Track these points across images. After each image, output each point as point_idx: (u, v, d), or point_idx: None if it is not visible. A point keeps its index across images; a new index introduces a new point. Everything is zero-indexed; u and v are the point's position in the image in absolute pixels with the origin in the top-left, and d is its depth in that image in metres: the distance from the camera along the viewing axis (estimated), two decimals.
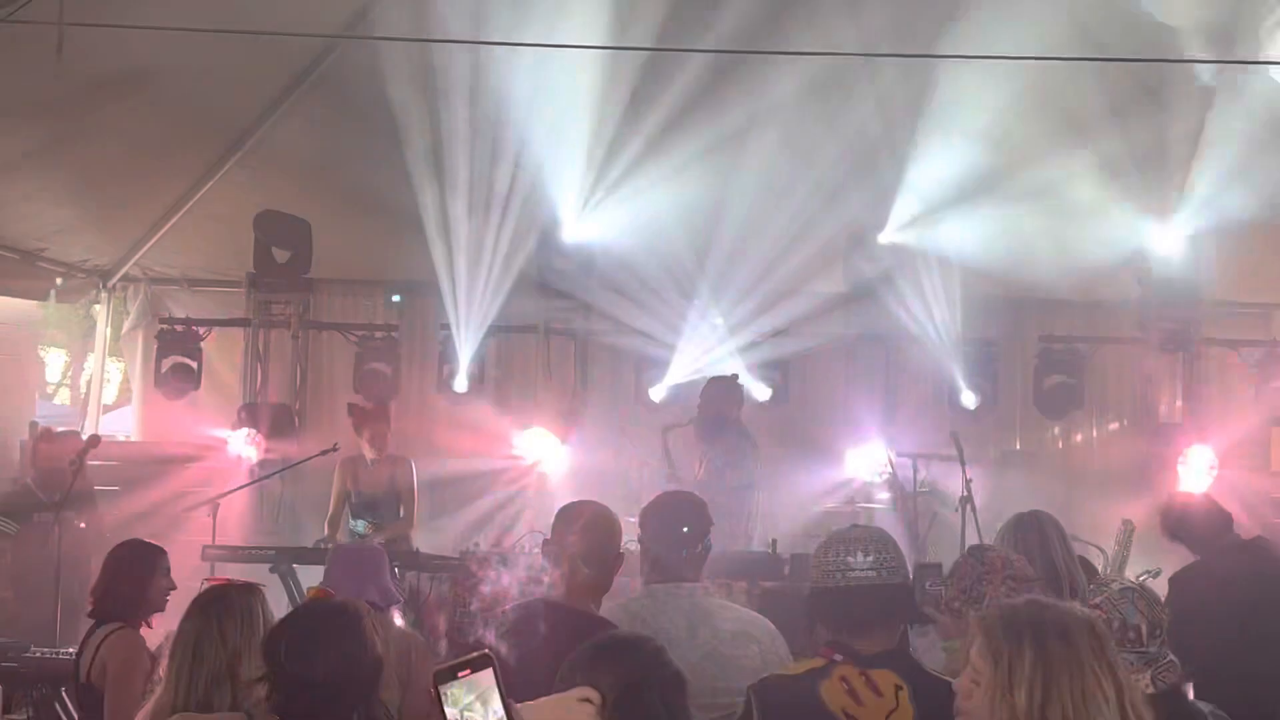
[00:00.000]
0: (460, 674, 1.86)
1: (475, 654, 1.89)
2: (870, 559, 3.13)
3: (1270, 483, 9.45)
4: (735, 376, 8.58)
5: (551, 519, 3.87)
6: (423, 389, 10.01)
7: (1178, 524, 5.42)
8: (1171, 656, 2.94)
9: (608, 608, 3.80)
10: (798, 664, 3.24)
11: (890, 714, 2.99)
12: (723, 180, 9.43)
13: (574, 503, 3.83)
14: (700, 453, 8.21)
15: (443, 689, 1.85)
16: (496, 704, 1.88)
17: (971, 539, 7.80)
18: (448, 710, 1.84)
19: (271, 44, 7.84)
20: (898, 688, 3.01)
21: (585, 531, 3.63)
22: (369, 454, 8.05)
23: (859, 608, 3.11)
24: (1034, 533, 4.07)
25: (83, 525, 8.01)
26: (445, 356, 9.66)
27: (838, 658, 3.08)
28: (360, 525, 8.07)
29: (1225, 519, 5.42)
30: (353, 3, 8.69)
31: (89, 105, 7.99)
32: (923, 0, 8.55)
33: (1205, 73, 8.18)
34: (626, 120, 9.08)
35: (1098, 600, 2.96)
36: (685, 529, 3.83)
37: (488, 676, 1.88)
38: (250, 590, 3.58)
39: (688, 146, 9.06)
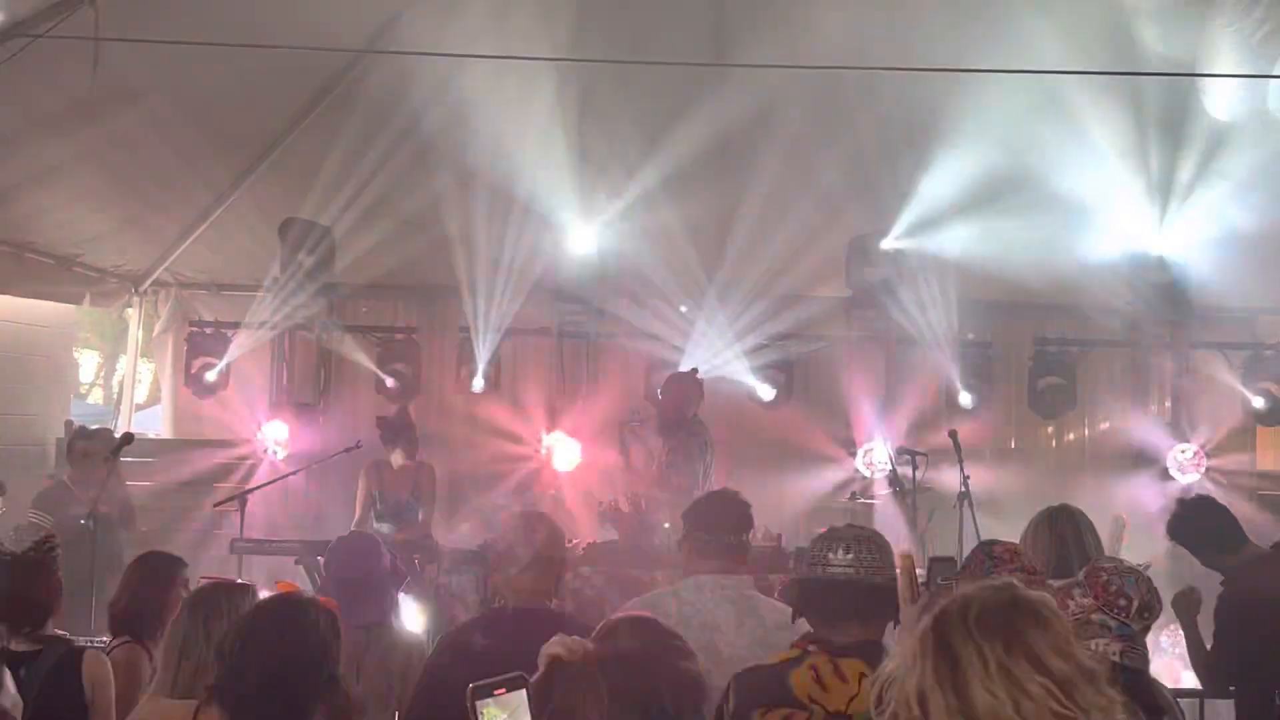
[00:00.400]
0: (496, 692, 2.01)
1: (511, 674, 2.05)
2: (850, 556, 3.22)
3: (1256, 481, 9.71)
4: (694, 371, 8.53)
5: (563, 515, 4.12)
6: (442, 389, 10.27)
7: (1183, 527, 5.32)
8: (1145, 650, 3.05)
9: (656, 594, 4.11)
10: (776, 655, 3.31)
11: (851, 700, 3.07)
12: (729, 190, 9.71)
13: (516, 513, 4.09)
14: (655, 449, 8.19)
15: (478, 704, 2.00)
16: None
17: (969, 534, 8.03)
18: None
19: (297, 58, 7.93)
20: (863, 675, 3.07)
21: (532, 539, 3.77)
22: (397, 461, 8.22)
23: (833, 600, 3.21)
24: (1069, 524, 4.22)
25: (115, 517, 8.36)
26: (463, 358, 9.85)
27: (811, 648, 3.18)
28: (385, 528, 8.17)
29: (1235, 525, 5.24)
30: (376, 19, 8.83)
31: (122, 118, 8.14)
32: (927, 12, 8.68)
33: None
34: (634, 130, 9.27)
35: (1105, 565, 3.10)
36: (725, 520, 4.06)
37: (520, 697, 2.03)
38: (239, 589, 3.62)
39: (694, 156, 9.19)
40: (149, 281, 10.61)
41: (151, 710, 3.38)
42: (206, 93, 8.39)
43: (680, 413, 8.00)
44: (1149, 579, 3.10)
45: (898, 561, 3.39)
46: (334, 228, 9.71)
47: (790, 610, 3.88)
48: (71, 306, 10.24)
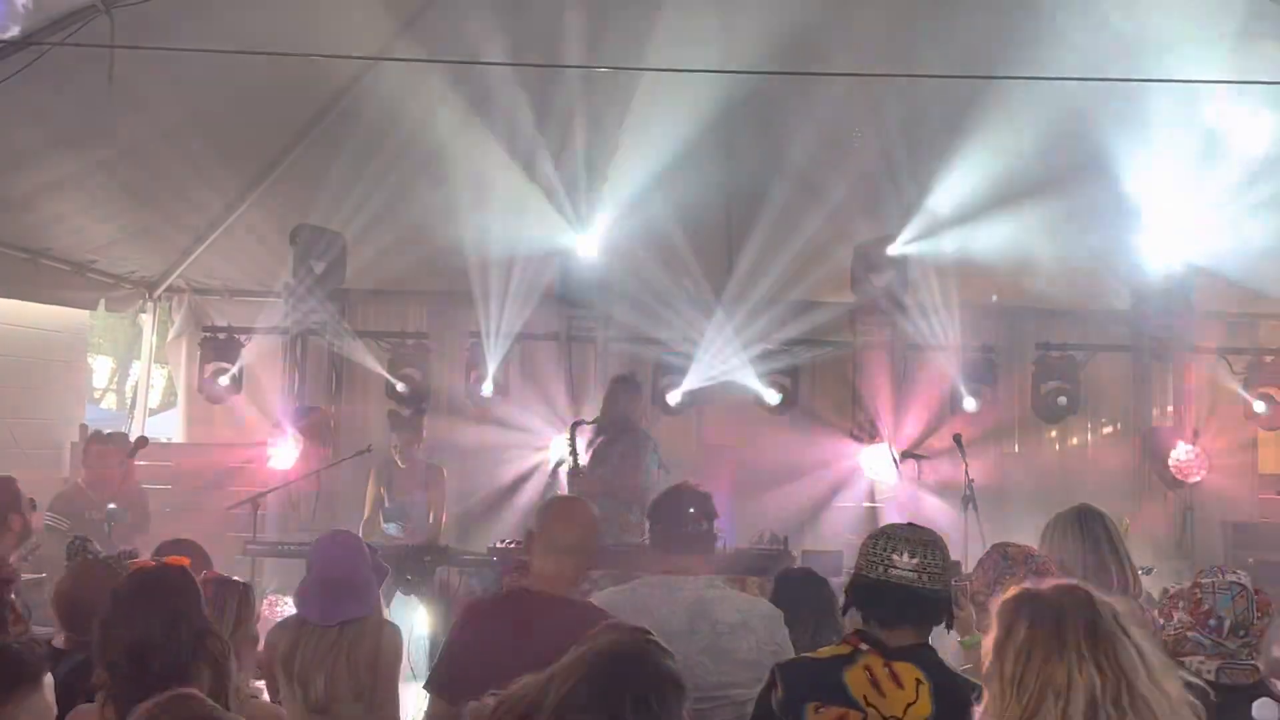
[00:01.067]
0: None
1: None
2: (915, 560, 3.12)
3: (1258, 484, 9.80)
4: (633, 375, 8.63)
5: None
6: (451, 393, 10.32)
7: None
8: (1254, 661, 2.98)
9: (610, 591, 4.07)
10: (824, 649, 3.26)
11: (909, 706, 3.01)
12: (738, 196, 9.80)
13: (558, 497, 4.10)
14: (604, 451, 8.29)
15: None
16: None
17: (974, 537, 8.04)
18: None
19: (307, 67, 8.12)
20: (919, 681, 3.04)
21: (564, 521, 3.82)
22: (398, 461, 8.36)
23: (893, 603, 3.13)
24: (1099, 525, 4.09)
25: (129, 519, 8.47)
26: (473, 362, 9.92)
27: (864, 646, 3.11)
28: (392, 529, 8.34)
29: None
30: (386, 29, 8.80)
31: (135, 126, 8.23)
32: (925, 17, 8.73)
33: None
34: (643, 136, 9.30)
35: (1204, 580, 3.05)
36: (690, 509, 4.02)
37: None
38: (226, 585, 3.77)
39: (698, 163, 9.29)
40: (162, 287, 10.70)
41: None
42: (218, 101, 8.44)
43: (624, 418, 8.16)
44: (1252, 593, 3.04)
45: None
46: (345, 233, 9.78)
47: (762, 603, 4.04)
48: (85, 312, 10.32)
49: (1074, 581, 2.46)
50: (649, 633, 2.50)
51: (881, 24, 8.56)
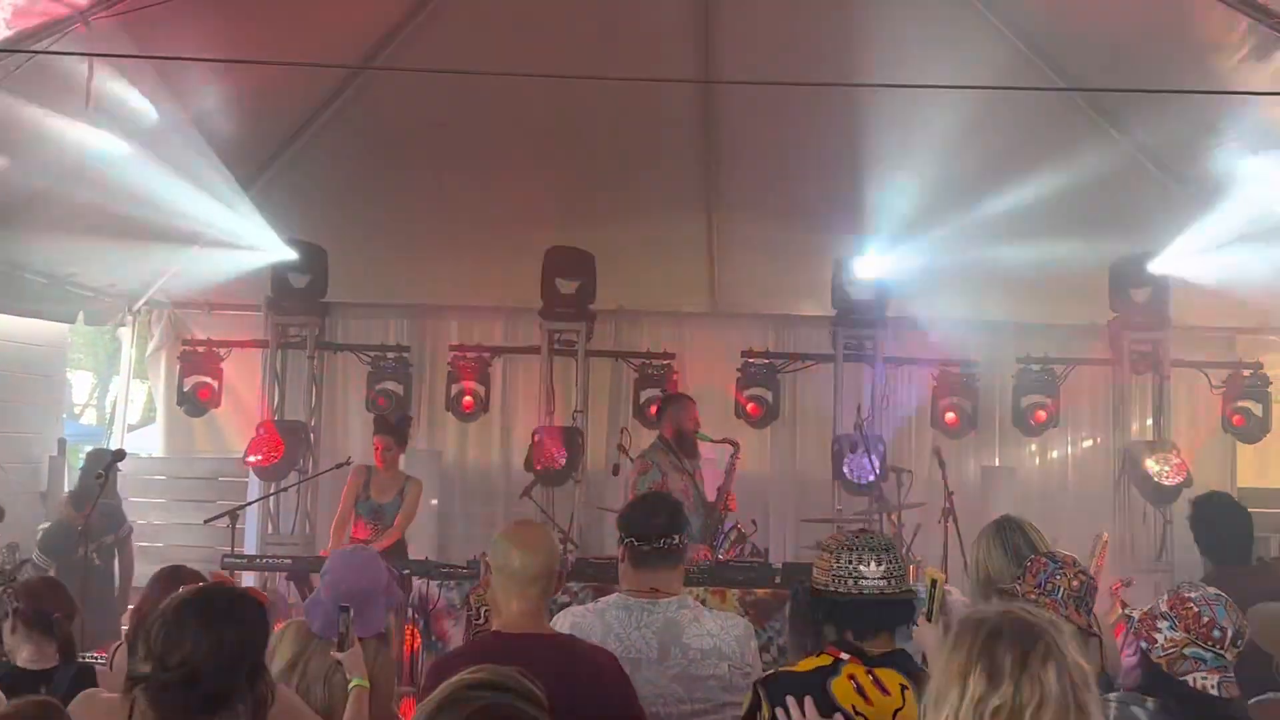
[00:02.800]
0: None
1: None
2: (882, 569, 3.15)
3: (1236, 497, 9.78)
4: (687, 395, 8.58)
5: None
6: (432, 407, 10.39)
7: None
8: (1234, 676, 2.93)
9: (580, 611, 3.89)
10: (805, 662, 3.21)
11: (897, 712, 3.03)
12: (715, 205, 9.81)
13: (514, 524, 3.80)
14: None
15: None
16: None
17: (954, 550, 8.14)
18: None
19: (292, 77, 8.11)
20: (903, 686, 3.05)
21: (526, 550, 3.50)
22: (379, 465, 8.24)
23: (870, 616, 3.15)
24: (1019, 534, 4.08)
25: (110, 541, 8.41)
26: (454, 376, 9.92)
27: (845, 656, 3.11)
28: (363, 525, 8.17)
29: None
30: (372, 36, 8.87)
31: (117, 133, 8.04)
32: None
33: None
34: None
35: (1193, 595, 2.99)
36: (659, 521, 3.86)
37: None
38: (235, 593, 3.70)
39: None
40: (142, 300, 10.67)
41: (88, 706, 3.34)
42: (200, 111, 8.42)
43: (692, 435, 8.04)
44: (1232, 601, 3.02)
45: (925, 581, 3.46)
46: (327, 247, 9.77)
47: (734, 621, 3.91)
48: (65, 326, 10.25)
49: (1021, 607, 2.46)
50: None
51: None
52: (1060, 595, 3.38)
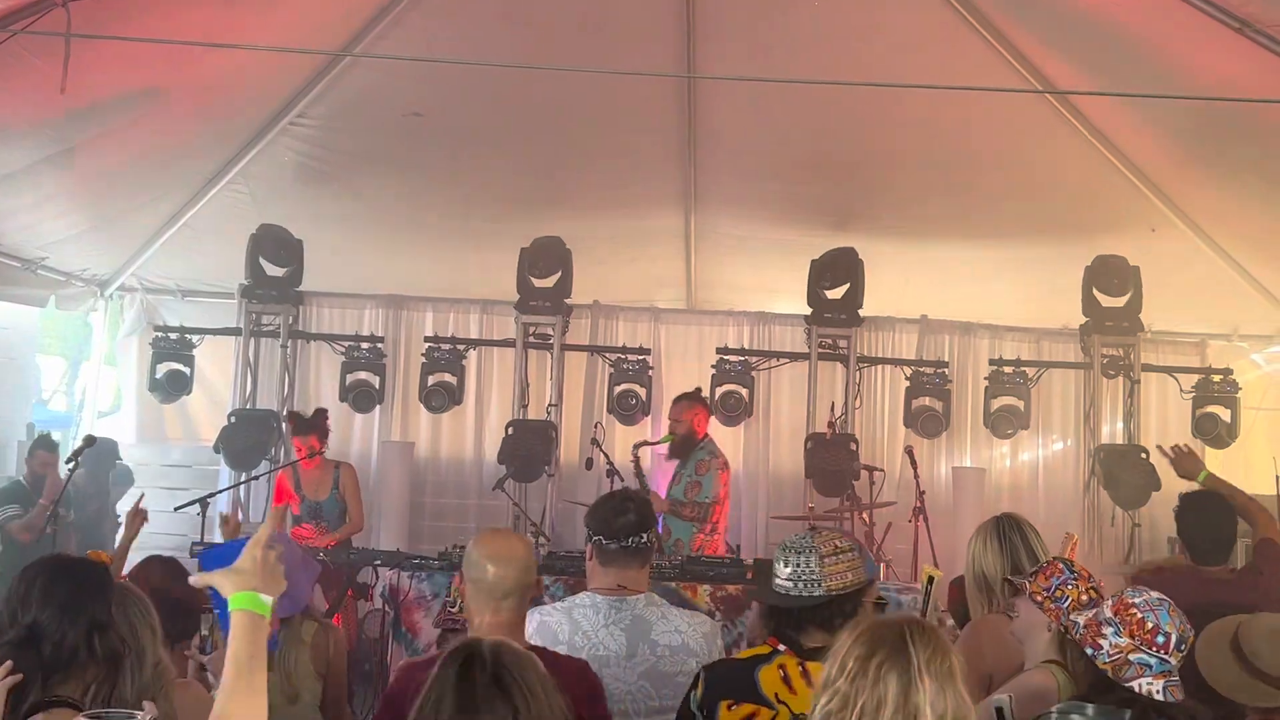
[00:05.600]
0: None
1: None
2: (789, 570, 3.26)
3: None
4: (699, 391, 8.76)
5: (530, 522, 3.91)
6: (406, 399, 10.37)
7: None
8: (1178, 678, 2.94)
9: (548, 609, 3.83)
10: (747, 650, 3.37)
11: None
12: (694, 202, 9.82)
13: (487, 532, 3.65)
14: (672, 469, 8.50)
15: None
16: None
17: (924, 548, 8.25)
18: None
19: (268, 63, 8.05)
20: None
21: (499, 563, 3.38)
22: (308, 461, 8.11)
23: (783, 613, 3.29)
24: (1017, 533, 4.10)
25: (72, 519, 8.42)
26: (428, 368, 9.87)
27: (781, 648, 3.23)
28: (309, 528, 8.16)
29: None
30: (351, 24, 8.74)
31: (92, 119, 8.06)
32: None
33: None
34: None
35: (1137, 600, 2.98)
36: (626, 519, 3.81)
37: None
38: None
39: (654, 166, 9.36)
40: (115, 286, 10.61)
41: None
42: (178, 96, 8.36)
43: (692, 432, 8.29)
44: (1175, 606, 3.02)
45: (923, 578, 3.47)
46: (303, 236, 9.70)
47: (701, 619, 3.91)
48: (36, 310, 10.17)
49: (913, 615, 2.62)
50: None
51: None
52: (1066, 605, 3.37)
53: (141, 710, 2.49)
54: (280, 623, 4.23)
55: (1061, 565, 3.54)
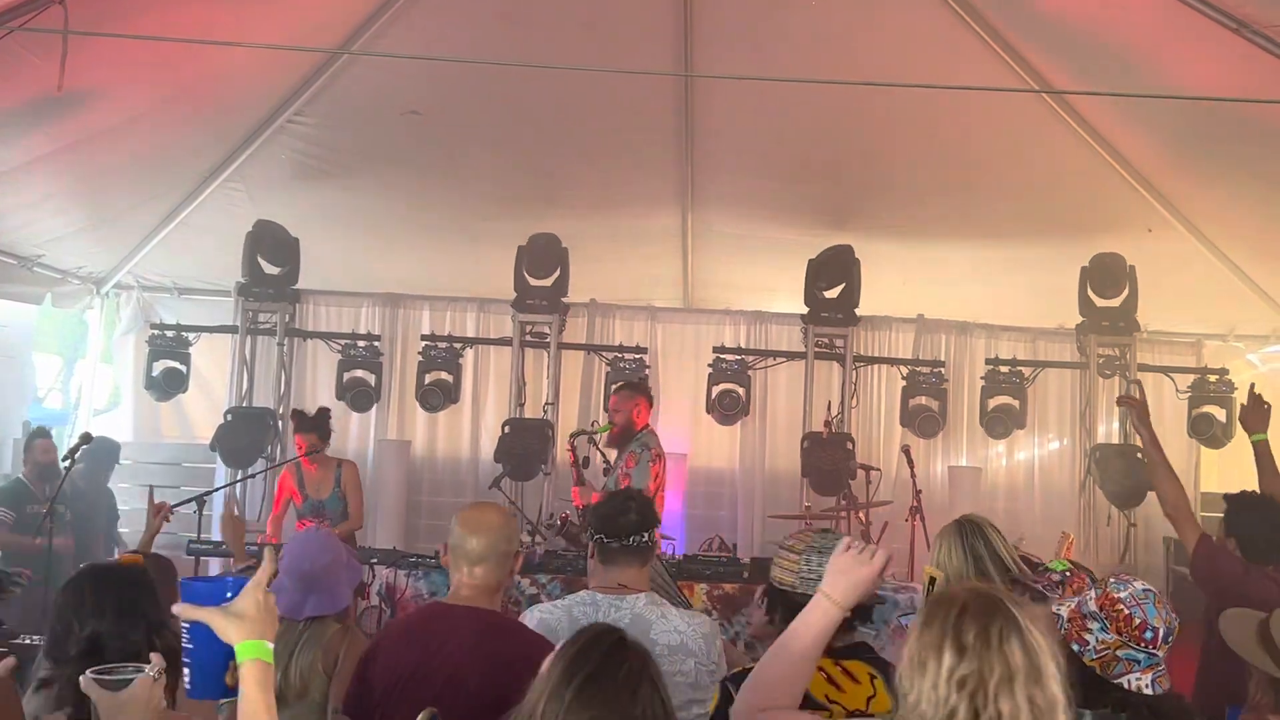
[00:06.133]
0: None
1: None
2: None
3: (1200, 502, 9.86)
4: (644, 380, 8.68)
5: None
6: (403, 397, 10.38)
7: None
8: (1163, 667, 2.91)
9: (547, 607, 3.92)
10: None
11: (870, 699, 3.07)
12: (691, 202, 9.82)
13: (468, 505, 3.83)
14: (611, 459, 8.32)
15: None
16: None
17: (921, 548, 8.24)
18: None
19: (265, 61, 8.06)
20: (871, 676, 3.11)
21: (470, 529, 3.61)
22: (311, 460, 8.12)
23: None
24: (979, 536, 4.01)
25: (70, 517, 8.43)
26: (425, 366, 9.88)
27: None
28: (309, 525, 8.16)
29: None
30: (349, 23, 8.74)
31: (88, 117, 8.04)
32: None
33: None
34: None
35: (1122, 594, 2.94)
36: (628, 518, 3.88)
37: None
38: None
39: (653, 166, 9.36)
40: (111, 283, 10.61)
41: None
42: (175, 93, 8.36)
43: (631, 423, 8.03)
44: (1160, 594, 2.98)
45: (924, 579, 3.45)
46: (299, 234, 9.72)
47: (700, 619, 3.91)
48: (32, 307, 10.17)
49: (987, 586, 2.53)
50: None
51: None
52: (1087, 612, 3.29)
53: (148, 664, 2.48)
54: (309, 621, 4.25)
55: (1086, 579, 3.49)
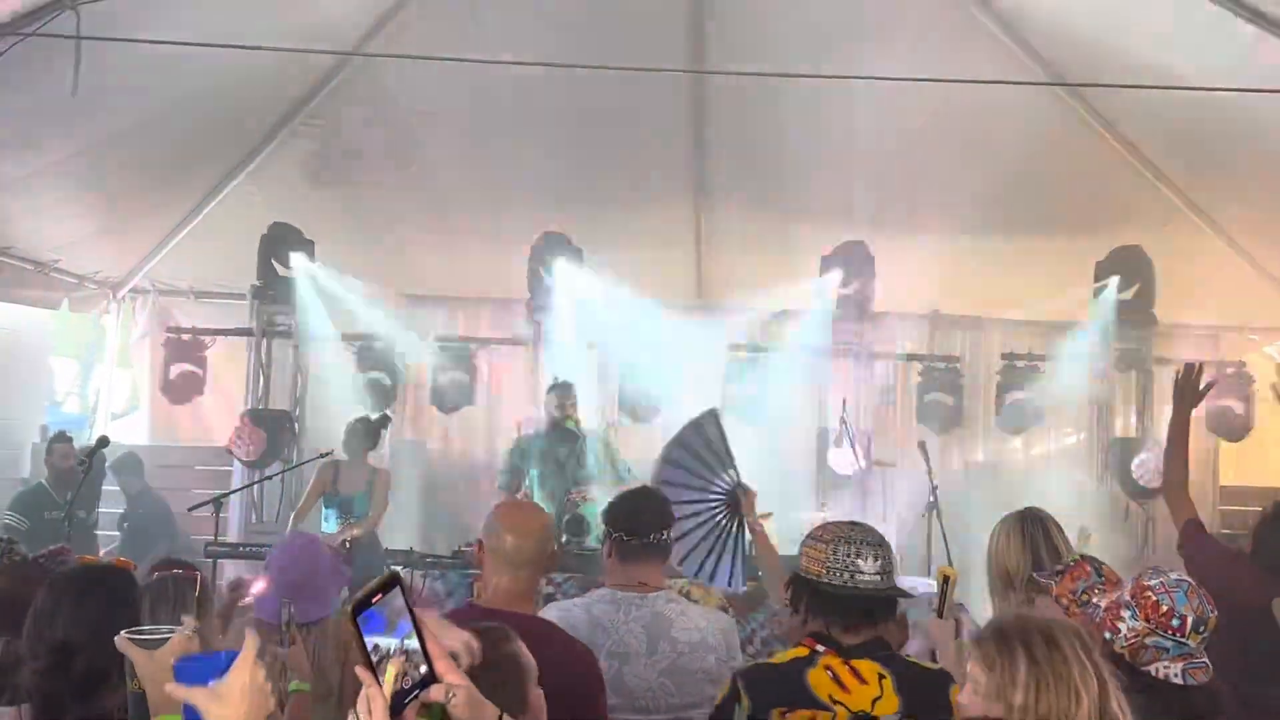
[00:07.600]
0: (374, 600, 1.84)
1: (385, 575, 1.87)
2: (878, 564, 3.17)
3: (1219, 496, 9.87)
4: (569, 385, 8.65)
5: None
6: (418, 397, 10.37)
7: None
8: (1205, 659, 2.91)
9: (567, 604, 3.89)
10: (781, 654, 3.26)
11: (875, 700, 3.06)
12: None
13: (511, 503, 3.74)
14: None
15: (360, 619, 1.85)
16: (407, 621, 1.89)
17: (938, 544, 8.21)
18: (366, 639, 1.83)
19: (282, 63, 8.10)
20: (880, 676, 3.10)
21: (519, 534, 3.43)
22: (346, 459, 8.32)
23: (859, 610, 3.17)
24: (1039, 527, 4.06)
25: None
26: (440, 366, 9.91)
27: (820, 648, 3.15)
28: (332, 516, 8.32)
29: None
30: (360, 26, 8.86)
31: (104, 122, 8.13)
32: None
33: None
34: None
35: (1153, 583, 2.96)
36: (647, 516, 3.86)
37: (397, 595, 1.86)
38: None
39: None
40: (127, 288, 10.65)
41: None
42: (187, 99, 8.38)
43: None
44: (1198, 586, 2.99)
45: (937, 578, 3.46)
46: (314, 235, 9.74)
47: (718, 614, 3.92)
48: (49, 312, 10.22)
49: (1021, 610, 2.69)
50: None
51: None
52: (1091, 609, 3.28)
53: (181, 625, 2.41)
54: (303, 627, 4.22)
55: (1089, 567, 3.47)
